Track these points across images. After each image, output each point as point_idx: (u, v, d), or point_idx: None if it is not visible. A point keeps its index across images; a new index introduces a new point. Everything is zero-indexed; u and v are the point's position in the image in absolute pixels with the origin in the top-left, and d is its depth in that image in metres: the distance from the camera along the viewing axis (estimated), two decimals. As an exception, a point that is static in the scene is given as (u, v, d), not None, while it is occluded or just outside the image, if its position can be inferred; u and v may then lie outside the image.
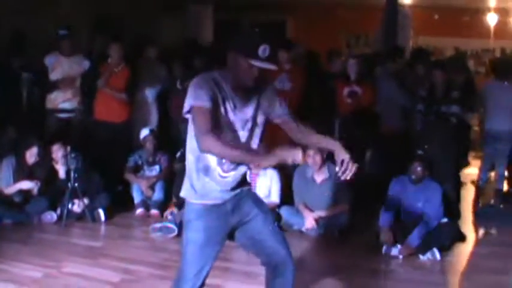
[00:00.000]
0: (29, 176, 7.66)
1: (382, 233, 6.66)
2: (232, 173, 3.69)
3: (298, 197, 7.52)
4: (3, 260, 6.08)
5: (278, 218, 7.44)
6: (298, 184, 7.57)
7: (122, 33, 10.22)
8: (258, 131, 3.77)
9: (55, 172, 7.87)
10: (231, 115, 3.60)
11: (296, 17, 14.11)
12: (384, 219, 6.79)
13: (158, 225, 7.16)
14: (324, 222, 7.31)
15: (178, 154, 8.22)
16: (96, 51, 9.37)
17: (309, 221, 7.30)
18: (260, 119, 3.75)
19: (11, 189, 7.59)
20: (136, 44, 9.70)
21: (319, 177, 7.48)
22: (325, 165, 7.46)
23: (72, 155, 7.56)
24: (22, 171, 7.65)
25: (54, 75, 8.45)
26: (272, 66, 3.51)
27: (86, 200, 7.66)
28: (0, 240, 6.96)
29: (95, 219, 7.65)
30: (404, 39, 12.06)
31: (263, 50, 3.48)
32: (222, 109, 3.56)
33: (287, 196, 7.72)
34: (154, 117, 9.14)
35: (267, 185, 7.63)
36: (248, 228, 3.81)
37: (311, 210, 7.39)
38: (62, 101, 8.51)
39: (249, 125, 3.70)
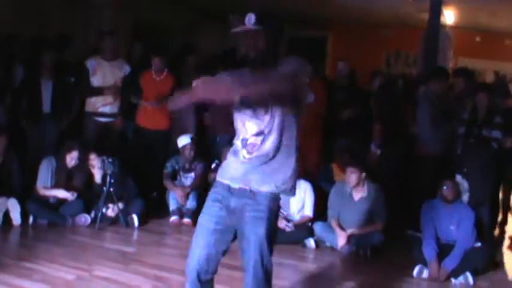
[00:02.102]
0: (68, 179, 7.76)
1: (430, 267, 6.49)
2: (255, 154, 3.66)
3: (333, 212, 7.51)
4: (37, 260, 6.13)
5: (311, 233, 7.45)
6: (335, 199, 7.56)
7: (161, 40, 10.31)
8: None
9: (91, 176, 7.94)
10: None
11: (337, 34, 14.08)
12: (429, 253, 6.57)
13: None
14: (357, 239, 7.28)
15: (213, 165, 8.25)
16: (135, 58, 9.42)
17: (341, 240, 7.29)
18: None
19: (48, 192, 7.69)
20: (179, 52, 9.76)
21: (358, 195, 7.47)
22: (364, 183, 7.44)
23: (109, 160, 7.63)
24: (61, 174, 7.74)
25: (95, 79, 8.51)
26: (252, 27, 3.58)
27: (120, 205, 7.73)
28: (34, 240, 7.09)
29: (129, 224, 7.70)
30: (445, 60, 11.98)
31: (248, 19, 3.58)
32: None
33: (319, 210, 7.72)
34: (191, 125, 9.18)
35: (300, 198, 7.62)
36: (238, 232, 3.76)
37: (343, 228, 7.37)
38: (102, 104, 8.55)
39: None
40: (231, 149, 3.81)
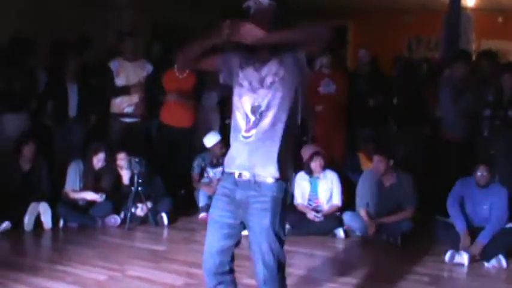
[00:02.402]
0: (96, 181, 7.82)
1: (462, 238, 6.51)
2: (253, 131, 3.64)
3: (361, 201, 7.51)
4: (69, 262, 6.17)
5: (341, 223, 7.43)
6: (364, 188, 7.56)
7: (181, 40, 10.31)
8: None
9: (119, 177, 8.00)
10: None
11: (357, 22, 14.02)
12: (460, 224, 6.62)
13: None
14: (386, 227, 7.26)
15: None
16: (154, 58, 9.45)
17: (370, 229, 7.29)
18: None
19: (77, 195, 7.76)
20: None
21: (387, 182, 7.46)
22: (392, 170, 7.43)
23: (136, 160, 7.66)
24: (89, 176, 7.80)
25: (119, 80, 8.58)
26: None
27: (149, 204, 7.75)
28: (65, 243, 7.14)
29: (158, 223, 7.73)
30: (467, 42, 11.89)
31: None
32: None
33: (347, 200, 7.73)
34: (216, 122, 9.20)
35: (328, 188, 7.65)
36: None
37: (372, 217, 7.36)
38: (128, 105, 8.61)
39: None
40: (231, 133, 3.78)
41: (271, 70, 3.65)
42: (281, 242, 3.68)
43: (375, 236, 7.26)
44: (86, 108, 8.69)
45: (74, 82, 8.58)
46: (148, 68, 8.76)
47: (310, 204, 7.66)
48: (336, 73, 8.82)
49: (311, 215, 7.45)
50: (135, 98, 8.62)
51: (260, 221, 3.63)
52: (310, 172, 7.67)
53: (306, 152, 7.72)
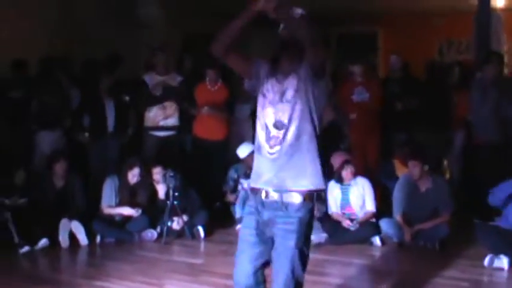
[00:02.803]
0: (132, 196, 7.87)
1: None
2: (277, 148, 3.63)
3: (398, 207, 7.46)
4: (107, 277, 6.22)
5: (377, 229, 7.39)
6: (400, 193, 7.51)
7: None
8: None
9: (155, 191, 8.03)
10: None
11: (387, 28, 13.97)
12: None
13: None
14: (424, 233, 7.22)
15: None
16: (186, 70, 9.50)
17: (407, 235, 7.24)
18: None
19: (113, 211, 7.81)
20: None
21: (423, 186, 7.41)
22: (428, 175, 7.40)
23: (171, 174, 7.69)
24: (124, 191, 7.85)
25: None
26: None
27: (185, 218, 7.77)
28: (103, 259, 7.22)
29: (195, 236, 7.74)
30: (498, 43, 11.78)
31: (294, 9, 3.64)
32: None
33: (383, 207, 7.71)
34: (249, 134, 9.20)
35: (360, 194, 7.61)
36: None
37: (409, 223, 7.31)
38: (163, 118, 8.67)
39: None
40: (255, 145, 3.79)
41: (291, 84, 3.66)
42: (304, 261, 3.69)
43: (412, 242, 7.21)
44: (122, 123, 8.79)
45: (109, 98, 8.69)
46: (179, 80, 8.81)
47: (343, 213, 7.62)
48: (369, 81, 8.80)
49: (346, 223, 7.42)
50: (169, 110, 8.67)
51: (285, 242, 3.63)
52: (340, 180, 7.65)
53: (336, 160, 7.70)
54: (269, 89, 3.72)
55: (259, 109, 3.77)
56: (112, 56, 9.32)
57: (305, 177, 3.63)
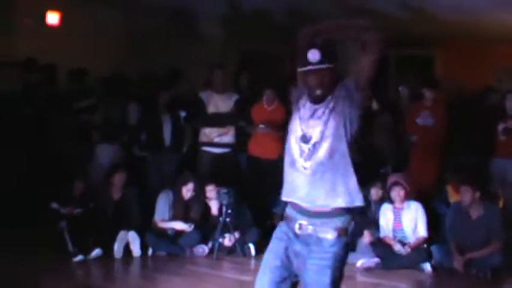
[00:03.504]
0: (185, 211, 7.95)
1: None
2: (309, 163, 3.57)
3: (451, 234, 7.41)
4: (159, 290, 6.32)
5: (429, 255, 7.35)
6: (453, 220, 7.47)
7: (269, 70, 10.44)
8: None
9: (208, 207, 8.09)
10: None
11: (445, 52, 13.86)
12: None
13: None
14: (476, 261, 7.14)
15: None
16: (242, 88, 9.58)
17: (457, 263, 7.18)
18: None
19: (166, 225, 7.90)
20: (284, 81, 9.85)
21: (475, 213, 7.35)
22: (479, 202, 7.33)
23: (224, 191, 7.76)
24: (178, 206, 7.93)
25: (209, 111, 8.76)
26: (319, 66, 3.55)
27: (237, 234, 7.82)
28: (154, 271, 7.31)
29: (246, 253, 7.78)
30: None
31: (312, 54, 3.54)
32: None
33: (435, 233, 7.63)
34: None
35: (412, 218, 7.56)
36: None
37: (461, 250, 7.24)
38: (218, 135, 8.74)
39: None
40: (287, 160, 3.72)
41: (325, 103, 3.63)
42: None
43: (464, 270, 7.14)
44: (178, 139, 8.92)
45: (167, 113, 8.82)
46: (236, 98, 8.87)
47: (395, 236, 7.58)
48: (436, 106, 8.76)
49: (397, 246, 7.39)
50: (225, 128, 8.75)
51: (319, 278, 3.53)
52: (392, 201, 7.63)
53: (390, 180, 7.70)
54: (304, 104, 3.71)
55: (293, 122, 3.75)
56: (170, 72, 9.45)
57: (337, 195, 3.55)
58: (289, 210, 3.74)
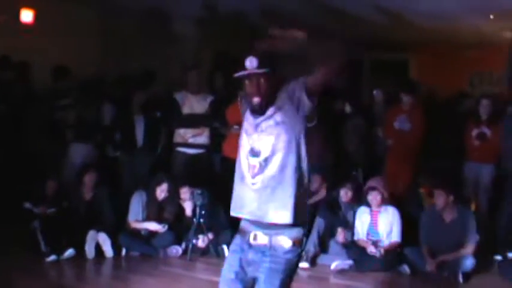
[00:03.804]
0: (159, 211, 7.91)
1: None
2: (259, 177, 3.59)
3: (424, 238, 7.45)
4: (131, 290, 6.29)
5: (402, 259, 7.39)
6: (426, 223, 7.51)
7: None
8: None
9: (182, 208, 8.07)
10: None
11: (419, 56, 13.98)
12: None
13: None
14: (448, 264, 7.19)
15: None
16: (216, 89, 9.55)
17: (430, 266, 7.21)
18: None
19: (139, 225, 7.87)
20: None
21: (448, 217, 7.40)
22: (454, 205, 7.39)
23: (199, 192, 7.73)
24: (152, 206, 7.90)
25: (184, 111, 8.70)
26: (255, 70, 3.58)
27: (210, 236, 7.80)
28: (127, 272, 7.28)
29: (219, 254, 7.76)
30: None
31: (249, 61, 3.59)
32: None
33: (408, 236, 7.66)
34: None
35: (388, 222, 7.60)
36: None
37: (433, 253, 7.29)
38: (192, 135, 8.69)
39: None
40: (237, 175, 3.75)
41: (266, 116, 3.63)
42: None
43: (436, 273, 7.18)
44: (152, 139, 8.89)
45: (140, 114, 8.79)
46: (211, 99, 8.84)
47: (369, 239, 7.62)
48: (414, 111, 8.77)
49: (371, 249, 7.42)
50: (199, 129, 8.71)
51: (270, 281, 3.58)
52: (369, 205, 7.67)
53: (367, 185, 7.75)
54: (248, 118, 3.74)
55: (241, 136, 3.78)
56: (145, 72, 9.41)
57: (287, 210, 3.55)
58: (243, 223, 3.77)
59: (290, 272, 3.64)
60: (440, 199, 7.36)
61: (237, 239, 3.78)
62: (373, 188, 7.66)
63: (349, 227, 7.77)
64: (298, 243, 3.63)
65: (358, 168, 9.26)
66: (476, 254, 7.24)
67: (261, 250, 3.63)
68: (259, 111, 3.64)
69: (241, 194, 3.69)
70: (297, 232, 3.62)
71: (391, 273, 7.32)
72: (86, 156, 8.60)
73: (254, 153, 3.62)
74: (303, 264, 7.37)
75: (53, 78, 9.05)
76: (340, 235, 7.71)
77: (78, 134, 8.65)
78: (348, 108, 9.14)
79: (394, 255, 7.45)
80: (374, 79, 13.22)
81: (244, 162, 3.67)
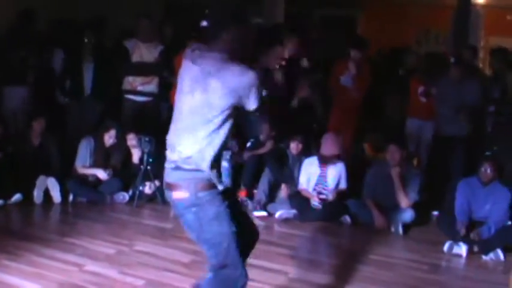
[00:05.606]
0: (106, 158, 7.97)
1: (459, 224, 6.65)
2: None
3: (369, 192, 7.58)
4: (78, 235, 6.38)
5: (346, 210, 7.57)
6: (373, 178, 7.61)
7: (194, 21, 10.42)
8: None
9: (129, 155, 8.13)
10: None
11: (367, 13, 14.09)
12: (461, 215, 6.74)
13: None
14: (389, 216, 7.36)
15: (248, 144, 8.34)
16: (166, 38, 9.53)
17: (378, 221, 7.38)
18: None
19: (86, 171, 7.91)
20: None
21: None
22: (405, 163, 7.57)
23: (146, 139, 7.78)
24: (99, 153, 7.94)
25: (133, 60, 8.67)
26: None
27: (157, 183, 7.85)
28: (75, 217, 7.35)
29: (166, 201, 7.77)
30: (475, 39, 11.98)
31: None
32: None
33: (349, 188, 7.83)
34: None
35: (337, 174, 7.70)
36: None
37: (379, 207, 7.44)
38: (140, 84, 8.69)
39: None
40: None
41: None
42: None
43: (381, 226, 7.36)
44: (101, 87, 8.86)
45: (90, 61, 8.77)
46: (161, 48, 8.82)
47: (316, 188, 7.73)
48: (360, 70, 8.69)
49: (314, 201, 7.54)
50: (148, 77, 8.71)
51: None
52: (320, 157, 7.76)
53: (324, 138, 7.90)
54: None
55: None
56: (95, 18, 9.32)
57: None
58: None
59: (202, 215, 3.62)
60: (395, 154, 7.42)
61: None
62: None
63: (295, 179, 7.88)
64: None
65: (317, 121, 9.23)
66: (416, 208, 7.42)
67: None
68: None
69: None
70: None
71: (332, 223, 7.48)
72: (21, 99, 8.52)
73: None
74: (261, 213, 7.58)
75: (18, 22, 8.84)
76: (283, 190, 7.89)
77: (6, 78, 8.46)
78: (304, 63, 9.13)
79: (337, 206, 7.59)
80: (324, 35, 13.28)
81: None
